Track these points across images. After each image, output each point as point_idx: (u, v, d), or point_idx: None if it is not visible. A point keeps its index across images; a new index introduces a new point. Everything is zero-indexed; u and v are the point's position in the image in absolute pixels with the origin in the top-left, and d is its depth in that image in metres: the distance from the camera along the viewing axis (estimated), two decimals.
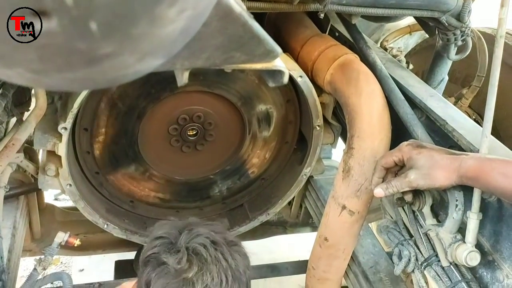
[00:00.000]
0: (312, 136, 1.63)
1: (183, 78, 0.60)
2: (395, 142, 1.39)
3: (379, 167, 1.19)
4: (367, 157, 1.36)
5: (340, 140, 1.83)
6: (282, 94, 1.68)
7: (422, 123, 1.35)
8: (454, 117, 1.28)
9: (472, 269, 1.17)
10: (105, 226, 1.63)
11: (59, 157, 1.43)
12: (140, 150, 1.66)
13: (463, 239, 1.13)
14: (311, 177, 1.87)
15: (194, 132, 1.67)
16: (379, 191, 1.16)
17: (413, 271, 1.27)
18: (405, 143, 1.16)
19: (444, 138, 1.29)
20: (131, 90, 1.53)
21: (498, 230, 1.13)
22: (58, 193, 2.92)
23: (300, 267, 2.04)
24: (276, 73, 0.85)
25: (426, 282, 1.24)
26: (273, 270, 2.11)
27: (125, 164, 1.70)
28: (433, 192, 1.26)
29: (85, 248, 1.99)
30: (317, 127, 1.61)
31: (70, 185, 1.49)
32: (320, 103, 1.58)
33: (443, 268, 1.18)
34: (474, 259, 1.10)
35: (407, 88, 1.44)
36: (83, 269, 2.83)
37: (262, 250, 3.09)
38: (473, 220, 1.09)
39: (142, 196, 1.80)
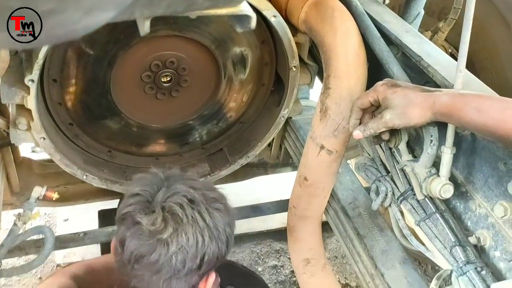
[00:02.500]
0: (289, 77, 1.61)
1: (144, 27, 0.56)
2: (371, 80, 1.39)
3: (355, 109, 1.19)
4: (344, 96, 1.36)
5: (317, 79, 1.82)
6: (257, 35, 1.63)
7: (398, 60, 1.34)
8: (430, 52, 1.27)
9: (446, 201, 1.22)
10: (84, 177, 1.62)
11: (30, 110, 1.39)
12: (114, 100, 1.62)
13: (437, 173, 1.16)
14: (289, 118, 1.87)
15: (168, 79, 1.62)
16: (357, 133, 1.16)
17: (390, 205, 1.31)
18: (380, 83, 1.15)
19: (420, 74, 1.28)
20: (99, 37, 1.46)
21: (471, 162, 1.16)
22: (34, 146, 2.88)
23: (282, 206, 2.09)
24: (243, 18, 0.81)
25: (402, 215, 1.28)
26: (255, 210, 2.16)
27: (100, 114, 1.66)
28: (408, 129, 1.28)
29: (67, 199, 1.99)
30: (293, 68, 1.58)
31: (44, 138, 1.46)
32: (296, 43, 1.54)
33: (418, 201, 1.22)
34: (448, 191, 1.13)
35: (383, 24, 1.42)
36: (67, 219, 2.85)
37: (244, 192, 3.15)
38: (447, 155, 1.11)
39: (119, 145, 1.78)
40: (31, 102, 1.36)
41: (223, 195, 1.06)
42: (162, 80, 1.62)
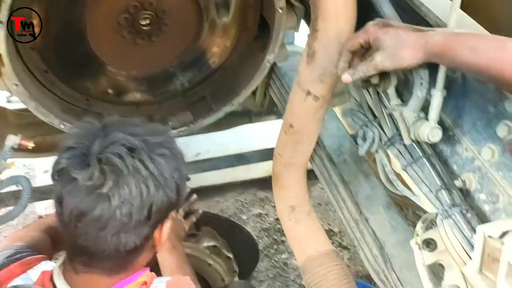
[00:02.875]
0: (274, 20, 1.54)
1: None
2: (361, 21, 1.33)
3: (345, 51, 1.14)
4: (332, 39, 1.30)
5: (303, 23, 1.75)
6: None
7: None
8: None
9: (433, 145, 1.21)
10: (62, 126, 1.56)
11: (0, 55, 1.31)
12: (91, 45, 1.54)
13: (426, 117, 1.14)
14: (274, 64, 1.81)
15: (147, 22, 1.54)
16: (346, 77, 1.11)
17: (376, 151, 1.30)
18: (371, 23, 1.10)
19: (412, 14, 1.23)
20: None
21: (460, 105, 1.15)
22: (10, 95, 2.78)
23: (266, 154, 2.09)
24: None
25: (389, 160, 1.27)
26: (240, 159, 2.15)
27: (76, 59, 1.59)
28: (398, 72, 1.25)
29: (45, 150, 1.93)
30: (279, 9, 1.51)
31: (17, 85, 1.38)
32: None
33: (405, 146, 1.21)
34: (436, 135, 1.12)
35: None
36: (47, 170, 2.79)
37: (228, 141, 3.14)
38: (437, 98, 1.09)
39: (98, 93, 1.71)
40: (0, 45, 1.28)
41: (169, 139, 0.98)
42: (141, 23, 1.54)
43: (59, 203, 0.89)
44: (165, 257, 1.41)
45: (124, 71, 1.69)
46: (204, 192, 2.95)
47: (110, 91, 1.74)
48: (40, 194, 1.84)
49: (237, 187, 2.97)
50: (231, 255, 2.02)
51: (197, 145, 3.11)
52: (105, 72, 1.65)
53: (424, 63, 1.05)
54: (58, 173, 0.89)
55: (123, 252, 0.92)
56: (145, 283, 0.98)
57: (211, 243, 1.96)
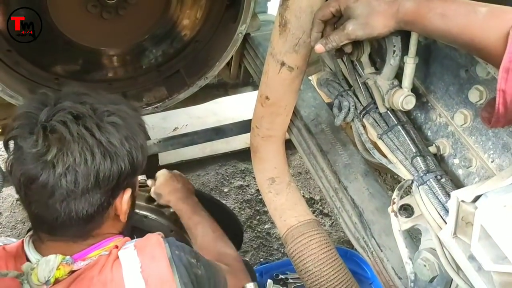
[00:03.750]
0: None
1: None
2: None
3: (316, 21, 1.12)
4: (304, 8, 1.27)
5: None
6: None
7: None
8: None
9: (407, 112, 1.21)
10: None
11: None
12: (54, 20, 1.47)
13: (399, 85, 1.14)
14: (247, 34, 1.78)
15: None
16: (319, 47, 1.09)
17: (352, 120, 1.30)
18: None
19: None
20: None
21: (432, 71, 1.15)
22: None
23: (244, 126, 2.06)
24: None
25: (365, 129, 1.28)
26: (218, 132, 2.12)
27: (39, 37, 1.52)
28: (371, 40, 1.23)
29: None
30: None
31: None
32: None
33: (380, 114, 1.21)
34: (410, 102, 1.12)
35: None
36: None
37: (206, 114, 3.11)
38: (409, 65, 1.08)
39: (67, 71, 1.66)
40: None
41: (123, 108, 0.98)
42: None
43: (10, 171, 0.91)
44: (179, 207, 1.57)
45: (93, 47, 1.63)
46: (185, 166, 2.94)
47: (79, 68, 1.68)
48: None
49: (217, 160, 2.96)
50: None
51: (175, 120, 3.08)
52: (72, 49, 1.59)
53: (397, 30, 1.04)
54: (8, 141, 0.91)
55: (78, 219, 0.93)
56: (116, 246, 0.99)
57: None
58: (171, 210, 1.96)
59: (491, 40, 0.80)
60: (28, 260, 0.96)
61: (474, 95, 1.02)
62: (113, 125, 0.92)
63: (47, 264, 0.91)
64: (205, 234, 1.46)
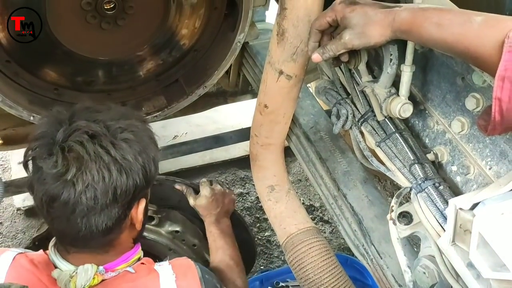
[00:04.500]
0: None
1: None
2: None
3: (313, 31, 1.13)
4: (301, 17, 1.28)
5: (272, 0, 1.72)
6: None
7: None
8: None
9: (405, 120, 1.22)
10: (31, 118, 1.52)
11: None
12: (53, 31, 1.48)
13: (397, 93, 1.14)
14: (246, 43, 1.79)
15: (111, 6, 1.49)
16: (316, 57, 1.11)
17: (351, 128, 1.30)
18: (337, 1, 1.08)
19: None
20: None
21: (429, 79, 1.15)
22: None
23: (244, 134, 2.08)
24: None
25: (363, 137, 1.28)
26: (217, 140, 2.13)
27: (39, 48, 1.53)
28: (368, 49, 1.24)
29: (17, 142, 1.89)
30: None
31: None
32: None
33: (378, 122, 1.22)
34: (407, 110, 1.13)
35: None
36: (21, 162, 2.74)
37: (205, 122, 3.12)
38: (406, 73, 1.09)
39: (66, 82, 1.66)
40: None
41: (136, 122, 1.02)
42: (105, 7, 1.49)
43: (31, 190, 0.96)
44: (209, 229, 1.61)
45: (92, 57, 1.64)
46: (185, 174, 2.94)
47: (78, 79, 1.69)
48: (15, 187, 1.80)
49: (217, 168, 2.97)
50: (197, 242, 1.99)
51: (174, 128, 3.08)
52: (72, 59, 1.60)
53: (393, 39, 1.05)
54: (28, 162, 0.96)
55: (98, 232, 0.98)
56: (139, 259, 1.10)
57: (173, 228, 1.92)
58: (169, 228, 1.99)
59: (486, 49, 0.81)
60: (56, 267, 1.02)
61: (471, 103, 1.02)
62: (126, 141, 0.96)
63: (86, 273, 0.99)
64: (222, 259, 1.51)
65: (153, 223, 1.88)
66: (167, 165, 2.74)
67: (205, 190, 1.64)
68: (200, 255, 1.99)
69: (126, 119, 1.01)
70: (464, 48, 0.85)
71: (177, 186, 1.70)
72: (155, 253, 1.91)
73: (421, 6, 0.98)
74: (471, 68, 1.01)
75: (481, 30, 0.83)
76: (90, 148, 0.91)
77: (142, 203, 1.05)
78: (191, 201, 1.65)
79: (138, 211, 1.04)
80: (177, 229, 1.90)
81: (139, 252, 1.12)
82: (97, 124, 0.95)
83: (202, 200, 1.63)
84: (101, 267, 1.01)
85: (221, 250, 1.54)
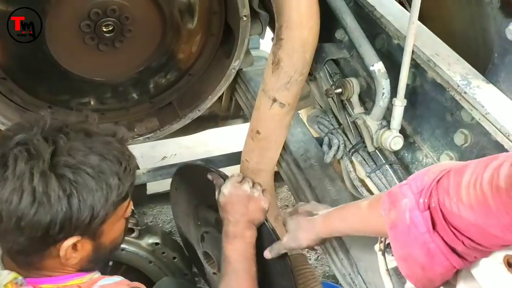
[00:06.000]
0: (239, 27, 1.55)
1: None
2: (324, 31, 1.36)
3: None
4: (297, 48, 1.33)
5: (268, 29, 1.76)
6: None
7: (350, 9, 1.32)
8: (383, 2, 1.25)
9: (395, 152, 1.25)
10: None
11: None
12: (51, 51, 1.49)
13: (388, 125, 1.18)
14: (240, 69, 1.82)
15: (110, 28, 1.51)
16: (266, 254, 1.26)
17: (342, 157, 1.33)
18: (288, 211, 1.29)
19: (372, 24, 1.27)
20: None
21: (419, 114, 1.19)
22: None
23: (233, 158, 2.08)
24: None
25: (353, 167, 1.31)
26: (207, 163, 2.14)
27: (36, 67, 1.54)
28: (360, 81, 1.28)
29: None
30: (243, 17, 1.51)
31: None
32: None
33: (369, 153, 1.25)
34: (398, 143, 1.16)
35: None
36: None
37: (195, 144, 3.12)
38: (398, 107, 1.13)
39: (60, 100, 1.67)
40: None
41: (94, 162, 0.93)
42: (104, 29, 1.51)
43: None
44: (224, 244, 1.27)
45: (87, 77, 1.65)
46: None
47: (73, 98, 1.70)
48: None
49: None
50: (177, 255, 1.95)
51: (164, 148, 3.08)
52: (67, 78, 1.61)
53: (386, 72, 1.09)
54: None
55: (14, 252, 0.95)
56: (79, 286, 0.99)
57: (154, 240, 1.90)
58: (149, 241, 1.95)
59: (376, 225, 0.94)
60: None
61: (459, 138, 1.06)
62: (60, 178, 0.89)
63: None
64: None
65: (133, 235, 1.87)
66: (156, 186, 2.72)
67: (226, 186, 1.30)
68: (180, 268, 1.98)
69: (88, 154, 0.93)
70: (365, 229, 1.03)
71: (209, 176, 1.38)
72: (134, 266, 1.90)
73: (327, 211, 1.16)
74: (460, 104, 1.05)
75: (368, 213, 0.99)
76: (20, 167, 0.86)
77: (70, 241, 0.93)
78: (216, 196, 1.33)
79: (62, 247, 0.93)
80: (157, 241, 1.89)
81: (80, 280, 1.00)
82: (49, 146, 0.89)
83: (220, 198, 1.31)
84: (20, 278, 0.94)
85: (226, 277, 1.22)
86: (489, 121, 0.97)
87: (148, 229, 1.96)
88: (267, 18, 1.65)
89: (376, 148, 1.23)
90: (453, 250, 0.80)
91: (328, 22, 1.36)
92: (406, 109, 1.17)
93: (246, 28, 1.56)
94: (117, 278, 1.04)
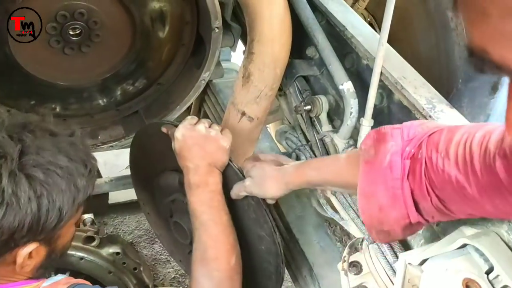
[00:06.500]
0: (211, 39, 1.53)
1: None
2: (296, 47, 1.37)
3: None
4: (268, 63, 1.33)
5: (239, 42, 1.76)
6: None
7: (322, 28, 1.33)
8: (354, 23, 1.27)
9: None
10: None
11: None
12: (12, 52, 1.44)
13: (355, 144, 1.18)
14: (210, 80, 1.81)
15: (77, 32, 1.47)
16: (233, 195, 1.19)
17: None
18: (246, 158, 1.24)
19: (343, 44, 1.28)
20: None
21: None
22: None
23: None
24: None
25: None
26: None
27: None
28: (329, 99, 1.29)
29: None
30: (215, 29, 1.50)
31: None
32: (219, 2, 1.46)
33: None
34: None
35: None
36: None
37: None
38: (365, 127, 1.14)
39: (20, 104, 1.60)
40: None
41: (62, 163, 0.91)
42: (70, 33, 1.46)
43: None
44: (188, 198, 1.14)
45: (51, 81, 1.59)
46: (135, 206, 2.84)
47: (34, 102, 1.63)
48: None
49: None
50: (138, 266, 1.92)
51: (128, 157, 3.01)
52: (30, 82, 1.55)
53: (354, 91, 1.10)
54: None
55: None
56: None
57: (114, 250, 1.86)
58: (110, 250, 1.88)
59: (350, 178, 0.94)
60: None
61: None
62: (30, 178, 0.87)
63: None
64: (195, 248, 1.10)
65: (93, 244, 1.81)
66: (117, 196, 2.65)
67: (178, 130, 1.17)
68: (141, 279, 1.93)
69: (56, 153, 0.91)
70: (339, 180, 1.01)
71: (163, 129, 1.25)
72: (93, 276, 1.83)
73: (301, 161, 1.16)
74: None
75: (345, 163, 0.99)
76: None
77: (29, 247, 0.91)
78: (173, 146, 1.19)
79: (20, 254, 0.91)
80: (118, 251, 1.84)
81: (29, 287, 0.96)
82: (16, 144, 0.87)
83: (175, 144, 1.17)
84: None
85: (196, 232, 1.10)
86: None
87: (109, 238, 1.91)
88: (239, 31, 1.65)
89: None
90: (416, 205, 0.83)
91: (300, 39, 1.37)
92: (373, 129, 1.18)
93: (217, 40, 1.55)
94: (58, 277, 1.00)
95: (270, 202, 1.19)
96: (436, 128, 0.84)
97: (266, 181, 1.11)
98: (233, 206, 1.16)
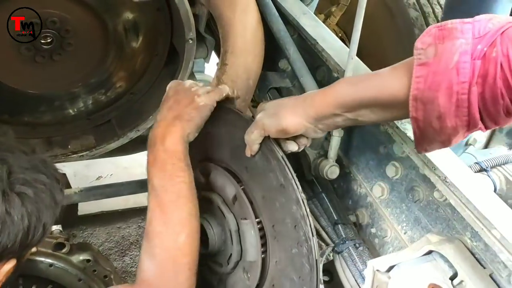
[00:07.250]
0: (185, 50, 1.54)
1: None
2: (268, 59, 1.39)
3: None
4: (240, 74, 1.35)
5: (213, 54, 1.77)
6: (152, 1, 1.53)
7: (294, 41, 1.36)
8: (325, 37, 1.31)
9: (331, 181, 1.28)
10: None
11: None
12: None
13: (325, 155, 1.21)
14: None
15: (48, 40, 1.45)
16: (248, 153, 1.04)
17: None
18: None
19: (314, 57, 1.32)
20: None
21: (355, 145, 1.24)
22: None
23: None
24: None
25: None
26: (143, 185, 2.07)
27: None
28: None
29: None
30: (189, 40, 1.51)
31: None
32: (193, 14, 1.47)
33: (307, 181, 1.27)
34: (334, 172, 1.19)
35: (281, 4, 1.42)
36: None
37: (132, 165, 3.04)
38: (335, 137, 1.17)
39: None
40: None
41: (43, 179, 0.92)
42: (42, 41, 1.45)
43: None
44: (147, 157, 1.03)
45: (21, 89, 1.56)
46: (105, 217, 2.80)
47: (3, 110, 1.60)
48: None
49: (140, 213, 2.87)
50: (108, 274, 1.88)
51: (99, 168, 2.97)
52: None
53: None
54: None
55: None
56: None
57: (85, 257, 1.81)
58: (80, 257, 1.82)
59: (397, 85, 0.82)
60: None
61: (390, 171, 1.11)
62: (21, 196, 0.88)
63: None
64: (146, 226, 1.00)
65: (63, 250, 1.77)
66: (87, 207, 2.61)
67: (170, 84, 1.15)
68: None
69: (37, 171, 0.92)
70: (383, 96, 0.86)
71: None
72: (62, 284, 1.78)
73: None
74: (392, 138, 1.10)
75: (389, 74, 0.87)
76: None
77: (9, 264, 0.91)
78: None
79: (2, 272, 0.90)
80: (89, 258, 1.80)
81: None
82: (3, 164, 0.87)
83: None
84: None
85: (148, 202, 1.02)
86: (417, 155, 1.03)
87: (79, 246, 1.86)
88: (213, 42, 1.66)
89: (313, 177, 1.26)
90: (479, 111, 0.74)
91: (273, 52, 1.40)
92: (343, 140, 1.22)
93: (191, 51, 1.56)
94: None
95: (291, 147, 1.00)
96: (509, 24, 0.72)
97: (281, 110, 0.95)
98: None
